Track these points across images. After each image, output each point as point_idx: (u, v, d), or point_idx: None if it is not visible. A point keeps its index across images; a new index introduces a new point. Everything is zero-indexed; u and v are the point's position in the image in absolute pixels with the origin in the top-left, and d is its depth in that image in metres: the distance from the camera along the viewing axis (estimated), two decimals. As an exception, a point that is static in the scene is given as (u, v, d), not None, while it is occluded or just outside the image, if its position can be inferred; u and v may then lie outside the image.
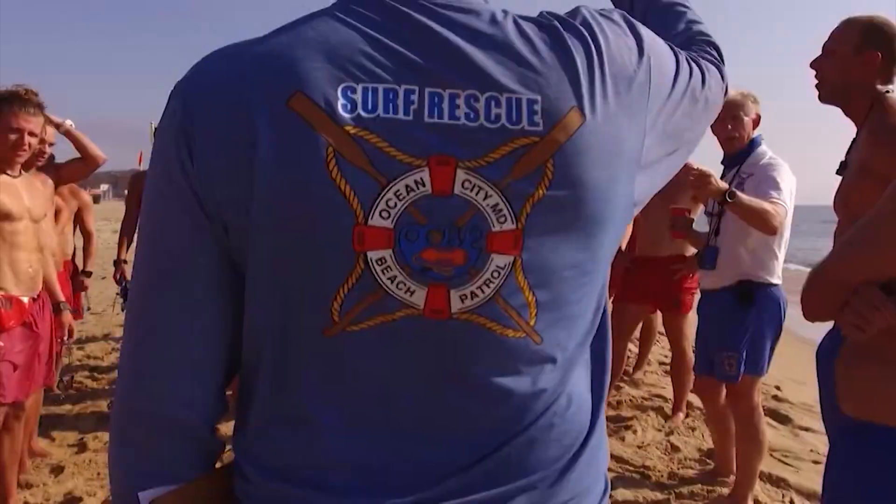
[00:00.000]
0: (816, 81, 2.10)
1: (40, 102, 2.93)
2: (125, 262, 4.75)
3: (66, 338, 3.23)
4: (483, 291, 0.72)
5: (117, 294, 4.84)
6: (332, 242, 0.68)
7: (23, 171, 2.98)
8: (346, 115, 0.67)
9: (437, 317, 0.72)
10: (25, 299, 2.90)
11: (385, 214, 0.68)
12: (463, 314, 0.72)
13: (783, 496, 3.32)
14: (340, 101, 0.68)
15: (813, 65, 2.12)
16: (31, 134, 2.86)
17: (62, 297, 3.20)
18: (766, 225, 2.81)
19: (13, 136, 2.80)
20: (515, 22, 0.75)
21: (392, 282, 0.70)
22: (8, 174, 2.87)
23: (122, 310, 5.16)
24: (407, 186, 0.68)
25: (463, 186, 0.70)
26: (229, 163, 0.69)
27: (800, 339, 5.95)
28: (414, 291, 0.71)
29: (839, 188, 2.13)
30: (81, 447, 3.84)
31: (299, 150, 0.67)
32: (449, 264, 0.71)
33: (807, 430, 4.35)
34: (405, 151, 0.68)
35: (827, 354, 2.08)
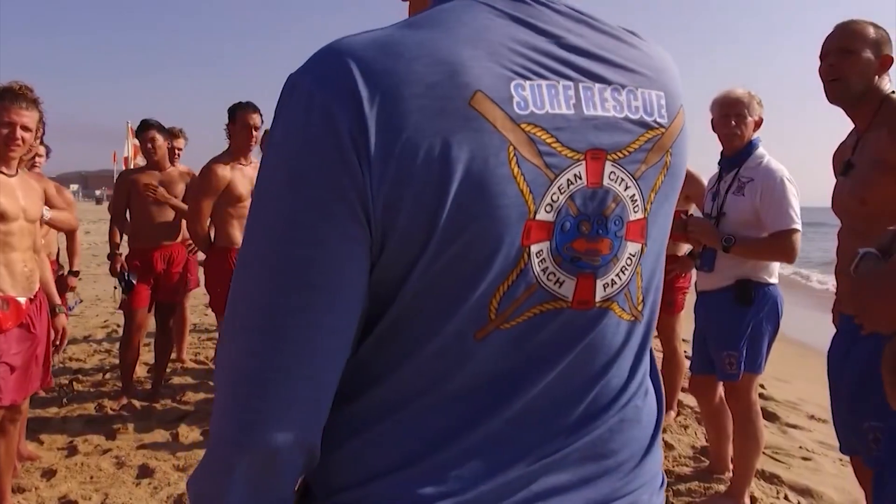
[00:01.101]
0: (832, 80, 2.16)
1: (35, 98, 2.87)
2: (119, 254, 4.69)
3: (58, 342, 3.17)
4: (620, 279, 0.78)
5: (115, 287, 4.73)
6: (507, 239, 0.69)
7: (19, 171, 2.92)
8: (522, 113, 0.68)
9: (582, 307, 0.75)
10: (23, 300, 2.85)
11: (549, 208, 0.70)
12: (604, 303, 0.77)
13: (777, 492, 3.37)
14: (515, 99, 0.68)
15: (832, 64, 2.17)
16: (25, 128, 2.80)
17: (58, 300, 3.14)
18: (783, 257, 2.95)
19: (5, 130, 2.75)
20: (621, 28, 0.80)
21: (544, 273, 0.72)
22: (3, 172, 2.81)
23: (121, 306, 5.10)
24: (568, 180, 0.71)
25: (609, 178, 0.74)
26: (414, 168, 0.64)
27: (782, 339, 6.04)
28: (563, 282, 0.73)
29: (845, 189, 2.18)
30: (71, 450, 3.79)
31: (486, 150, 0.66)
32: (597, 254, 0.74)
33: (794, 426, 4.44)
34: (569, 146, 0.71)
35: (842, 356, 2.12)
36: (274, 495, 0.73)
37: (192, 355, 5.92)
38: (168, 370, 4.98)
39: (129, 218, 4.75)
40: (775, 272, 3.09)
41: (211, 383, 5.09)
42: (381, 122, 0.64)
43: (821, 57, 2.25)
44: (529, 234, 0.70)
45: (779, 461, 3.80)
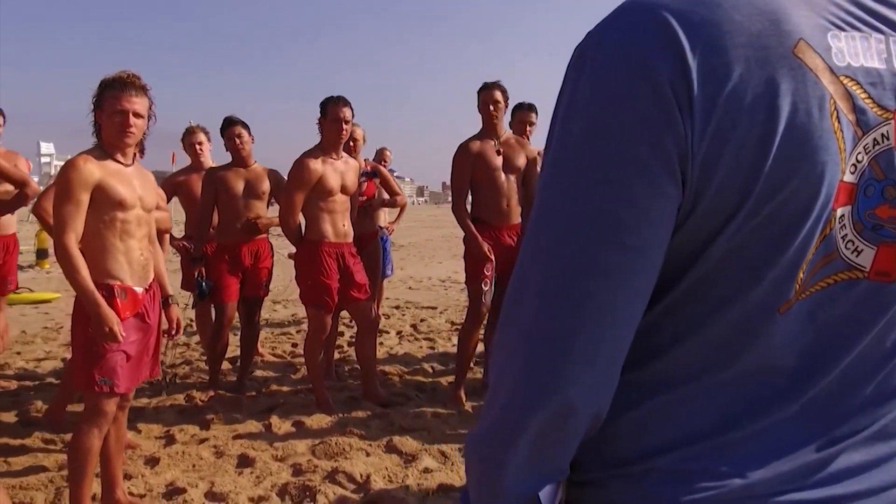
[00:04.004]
0: None
1: (143, 85, 2.87)
2: (201, 258, 4.73)
3: (173, 333, 3.22)
4: None
5: (194, 293, 4.78)
6: (821, 200, 0.65)
7: (135, 161, 2.97)
8: (840, 64, 0.65)
9: (881, 279, 0.70)
10: (139, 290, 2.90)
11: (853, 169, 0.67)
12: None
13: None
14: (833, 50, 0.65)
15: None
16: (137, 115, 2.82)
17: (171, 291, 3.19)
18: None
19: (118, 119, 2.78)
20: None
21: (843, 241, 0.68)
22: (120, 161, 2.86)
23: (192, 307, 5.17)
24: (874, 140, 0.67)
25: None
26: (738, 121, 0.62)
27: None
28: (861, 251, 0.69)
29: None
30: (169, 439, 3.86)
31: (809, 101, 0.63)
32: None
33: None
34: (880, 104, 0.67)
35: None
36: (555, 463, 0.72)
37: (269, 349, 5.99)
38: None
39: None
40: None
41: (293, 376, 5.17)
42: (703, 72, 0.62)
43: None
44: (838, 197, 0.66)
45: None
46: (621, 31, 0.65)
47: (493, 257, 4.33)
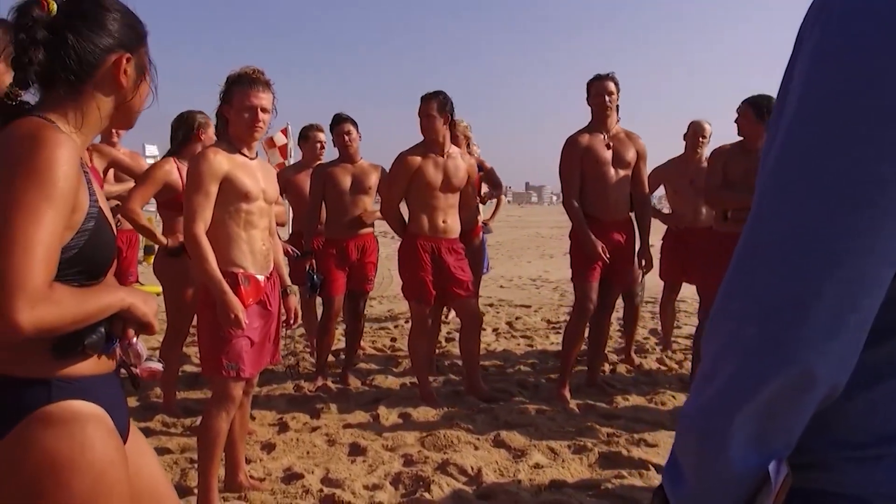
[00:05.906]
0: None
1: (268, 80, 2.94)
2: (310, 253, 4.84)
3: (291, 321, 3.30)
4: None
5: (305, 286, 4.90)
6: None
7: (257, 155, 3.06)
8: None
9: None
10: (261, 278, 2.99)
11: None
12: None
13: None
14: None
15: None
16: (264, 110, 2.90)
17: (289, 281, 3.27)
18: None
19: (247, 115, 2.86)
20: None
21: None
22: (245, 155, 2.95)
23: (307, 299, 5.29)
24: None
25: None
26: None
27: None
28: None
29: None
30: (283, 427, 3.96)
31: None
32: None
33: None
34: None
35: None
36: (785, 438, 0.68)
37: (370, 343, 6.09)
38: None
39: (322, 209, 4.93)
40: None
41: (395, 369, 5.23)
42: None
43: None
44: None
45: None
46: None
47: (606, 256, 4.26)
